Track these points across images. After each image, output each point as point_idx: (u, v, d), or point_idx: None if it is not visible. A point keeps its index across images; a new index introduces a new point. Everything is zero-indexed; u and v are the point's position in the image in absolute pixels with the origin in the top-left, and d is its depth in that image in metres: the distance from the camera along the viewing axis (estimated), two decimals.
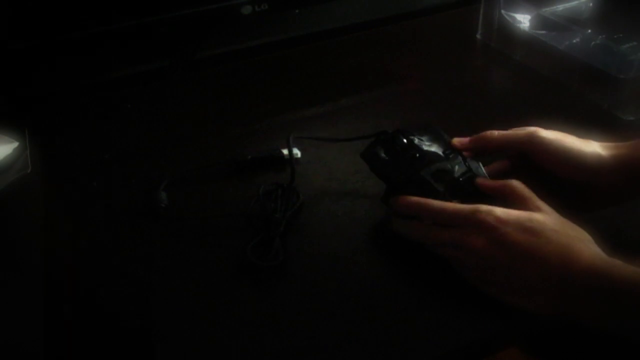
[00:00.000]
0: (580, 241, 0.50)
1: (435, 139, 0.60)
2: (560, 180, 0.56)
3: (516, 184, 0.54)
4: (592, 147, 0.56)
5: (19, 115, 0.80)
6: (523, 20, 0.89)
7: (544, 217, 0.51)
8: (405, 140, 0.59)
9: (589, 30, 0.82)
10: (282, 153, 0.70)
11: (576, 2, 0.91)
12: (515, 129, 0.59)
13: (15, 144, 0.72)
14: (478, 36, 0.96)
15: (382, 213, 0.63)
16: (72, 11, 0.71)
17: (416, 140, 0.59)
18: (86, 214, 0.66)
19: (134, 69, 0.91)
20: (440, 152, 0.58)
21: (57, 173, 0.72)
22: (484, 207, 0.52)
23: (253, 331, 0.52)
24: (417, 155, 0.58)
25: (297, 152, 0.69)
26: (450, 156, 0.58)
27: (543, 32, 0.86)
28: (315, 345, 0.51)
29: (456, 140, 0.60)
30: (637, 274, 0.46)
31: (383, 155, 0.60)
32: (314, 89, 0.86)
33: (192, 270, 0.58)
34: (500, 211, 0.51)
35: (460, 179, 0.56)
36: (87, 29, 0.73)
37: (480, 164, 0.59)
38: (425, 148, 0.58)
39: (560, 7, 0.89)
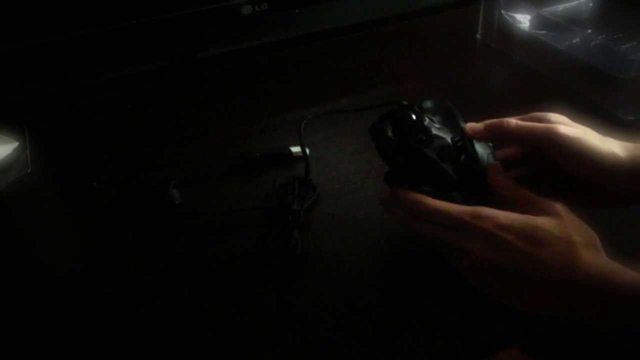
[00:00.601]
0: (583, 246, 0.49)
1: (447, 121, 0.56)
2: (574, 177, 0.54)
3: (521, 191, 0.52)
4: (610, 146, 0.53)
5: (19, 115, 0.80)
6: (523, 20, 0.89)
7: (548, 223, 0.49)
8: (414, 117, 0.55)
9: (589, 30, 0.82)
10: (290, 150, 0.70)
11: (576, 2, 0.91)
12: (535, 113, 0.56)
13: (15, 144, 0.72)
14: (478, 36, 0.96)
15: (382, 212, 0.63)
16: (73, 11, 0.71)
17: (427, 121, 0.55)
18: (86, 214, 0.66)
19: (134, 69, 0.91)
20: (448, 138, 0.55)
21: (57, 173, 0.72)
22: (485, 212, 0.50)
23: (266, 326, 0.52)
24: (424, 138, 0.54)
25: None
26: (459, 144, 0.55)
27: (543, 32, 0.86)
28: (317, 343, 0.51)
29: (469, 126, 0.57)
30: (636, 278, 0.46)
31: (390, 134, 0.55)
32: (314, 89, 0.86)
33: (208, 266, 0.58)
34: (502, 216, 0.50)
35: (466, 169, 0.54)
36: (88, 29, 0.73)
37: (492, 149, 0.56)
38: (434, 131, 0.55)
39: (560, 7, 0.89)
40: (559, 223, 0.50)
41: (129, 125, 0.80)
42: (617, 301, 0.46)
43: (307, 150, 0.69)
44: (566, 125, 0.54)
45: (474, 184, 0.55)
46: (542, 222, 0.50)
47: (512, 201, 0.52)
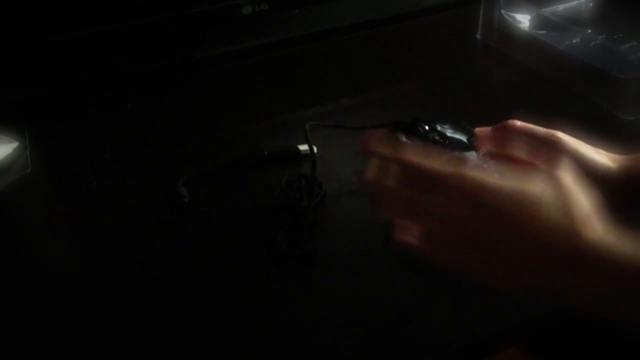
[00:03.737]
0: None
1: (458, 127, 0.59)
2: None
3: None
4: (602, 157, 0.56)
5: (19, 115, 0.80)
6: (523, 20, 0.89)
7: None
8: (427, 127, 0.58)
9: (589, 30, 0.82)
10: (298, 148, 0.70)
11: (576, 2, 0.91)
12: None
13: (15, 144, 0.72)
14: (478, 36, 0.96)
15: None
16: (73, 11, 0.71)
17: (439, 127, 0.58)
18: (86, 214, 0.66)
19: (134, 68, 0.91)
20: (464, 139, 0.57)
21: (57, 173, 0.72)
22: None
23: (277, 324, 0.52)
24: (441, 140, 0.57)
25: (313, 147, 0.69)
26: (475, 144, 0.57)
27: (543, 32, 0.86)
28: (317, 343, 0.51)
29: (478, 130, 0.59)
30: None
31: (404, 140, 0.58)
32: (314, 89, 0.86)
33: (220, 263, 0.58)
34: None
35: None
36: (88, 29, 0.73)
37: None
38: (449, 134, 0.57)
39: (560, 7, 0.89)
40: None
41: (129, 125, 0.80)
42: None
43: (316, 149, 0.69)
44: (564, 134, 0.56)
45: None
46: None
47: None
